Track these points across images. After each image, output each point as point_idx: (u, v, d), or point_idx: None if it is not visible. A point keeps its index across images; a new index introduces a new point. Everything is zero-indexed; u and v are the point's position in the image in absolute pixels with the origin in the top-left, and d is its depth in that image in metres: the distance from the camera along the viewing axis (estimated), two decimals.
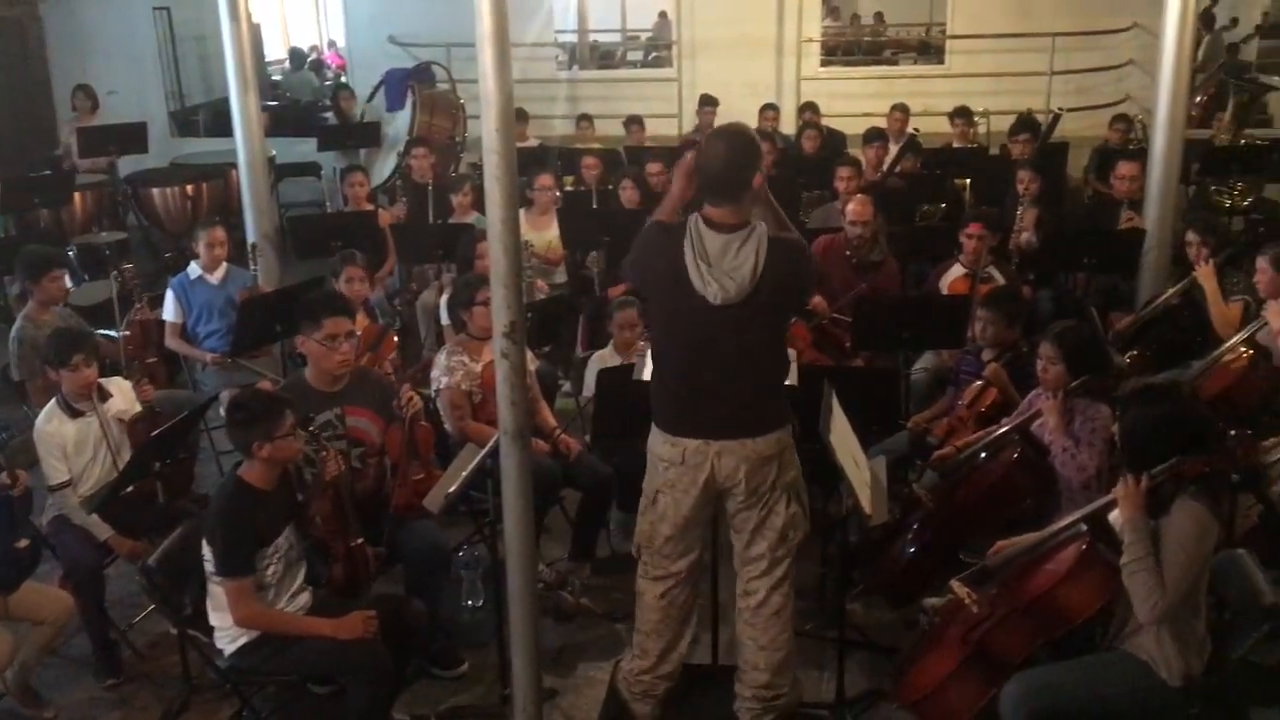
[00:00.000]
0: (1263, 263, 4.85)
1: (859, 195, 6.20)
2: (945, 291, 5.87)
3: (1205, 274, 5.30)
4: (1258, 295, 4.99)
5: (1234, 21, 14.97)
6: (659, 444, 3.48)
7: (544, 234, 7.07)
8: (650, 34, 16.04)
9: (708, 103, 9.92)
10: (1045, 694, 3.18)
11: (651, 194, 7.39)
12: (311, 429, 3.86)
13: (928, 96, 10.44)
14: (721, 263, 3.24)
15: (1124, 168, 6.75)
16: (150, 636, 4.44)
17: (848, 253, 6.00)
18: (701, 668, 3.97)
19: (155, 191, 9.33)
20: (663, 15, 14.53)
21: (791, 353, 4.29)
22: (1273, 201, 8.69)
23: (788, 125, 10.38)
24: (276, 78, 16.10)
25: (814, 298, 5.91)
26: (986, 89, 10.52)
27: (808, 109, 9.79)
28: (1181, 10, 5.89)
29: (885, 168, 8.13)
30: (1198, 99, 10.53)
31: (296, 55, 16.42)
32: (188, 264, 6.10)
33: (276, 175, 9.61)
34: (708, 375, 3.36)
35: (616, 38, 16.04)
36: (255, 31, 8.59)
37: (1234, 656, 3.25)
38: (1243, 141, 8.84)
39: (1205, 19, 13.06)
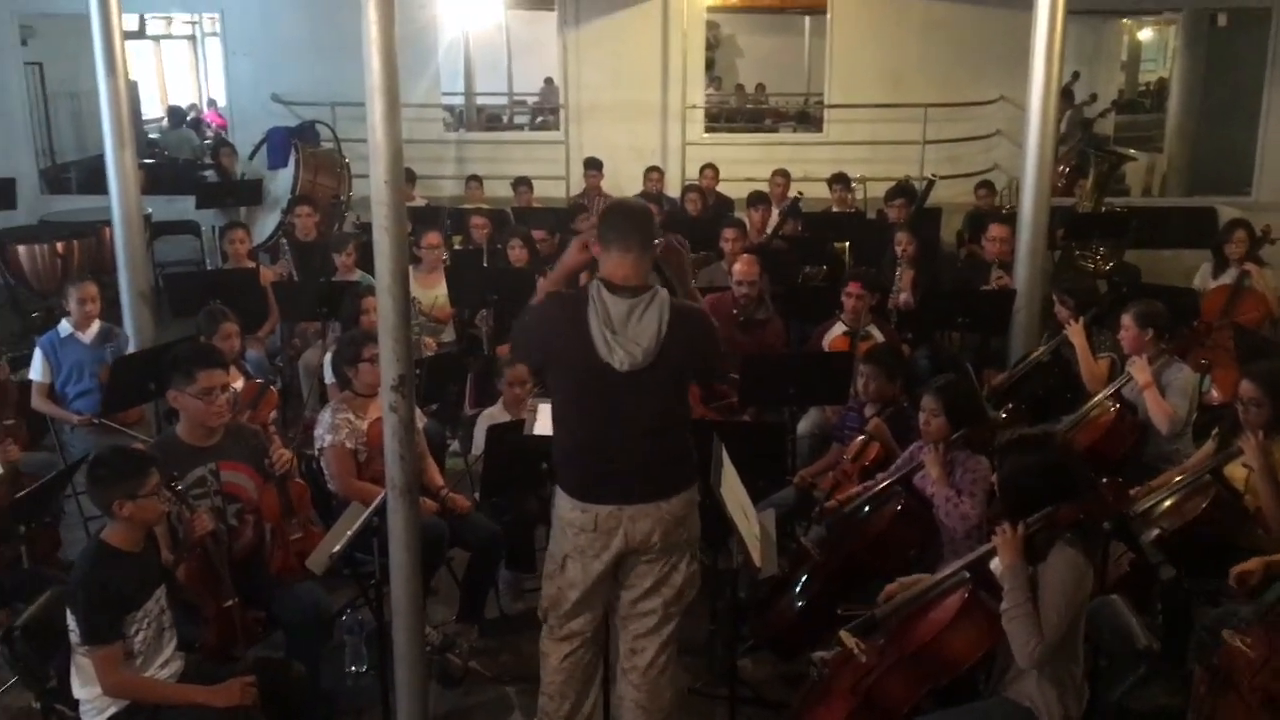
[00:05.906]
0: (1127, 319, 5.07)
1: (745, 255, 6.30)
2: (827, 349, 5.99)
3: (1075, 332, 5.52)
4: (1123, 352, 5.23)
5: (1093, 97, 15.91)
6: (568, 510, 3.41)
7: (432, 292, 7.03)
8: (536, 98, 16.19)
9: (593, 165, 10.04)
10: None
11: (539, 254, 7.43)
12: (178, 488, 3.69)
13: (807, 163, 10.69)
14: (625, 329, 3.23)
15: (995, 230, 7.02)
16: (11, 712, 4.18)
17: (734, 311, 6.10)
18: None
19: (22, 249, 8.99)
20: (549, 81, 14.68)
21: None
22: (1133, 266, 9.13)
23: (673, 188, 10.56)
24: (154, 135, 15.75)
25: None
26: (863, 156, 10.83)
27: (709, 168, 10.00)
28: (1045, 85, 6.24)
29: (769, 230, 8.31)
30: (1061, 169, 11.07)
31: (175, 113, 16.11)
32: (58, 323, 5.88)
33: (153, 233, 9.35)
34: (617, 442, 3.33)
35: (503, 100, 16.14)
36: (132, 88, 8.37)
37: (1111, 701, 3.33)
38: (1103, 209, 9.29)
39: (1066, 94, 13.80)
